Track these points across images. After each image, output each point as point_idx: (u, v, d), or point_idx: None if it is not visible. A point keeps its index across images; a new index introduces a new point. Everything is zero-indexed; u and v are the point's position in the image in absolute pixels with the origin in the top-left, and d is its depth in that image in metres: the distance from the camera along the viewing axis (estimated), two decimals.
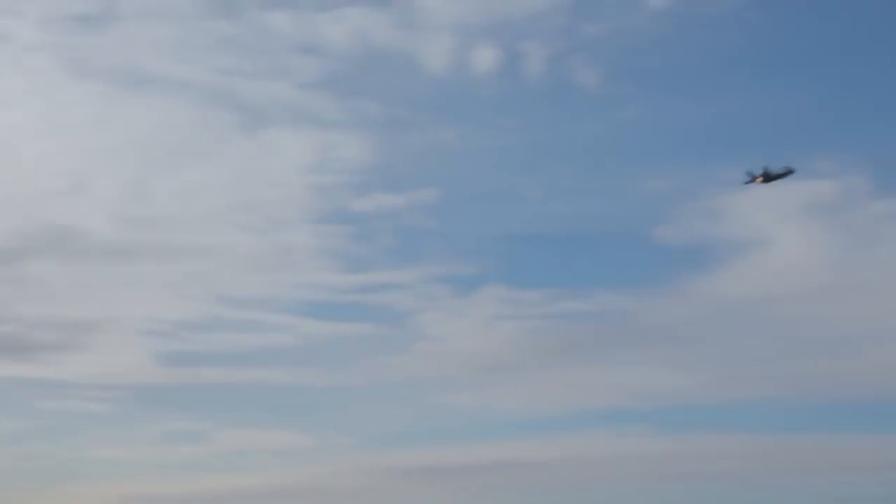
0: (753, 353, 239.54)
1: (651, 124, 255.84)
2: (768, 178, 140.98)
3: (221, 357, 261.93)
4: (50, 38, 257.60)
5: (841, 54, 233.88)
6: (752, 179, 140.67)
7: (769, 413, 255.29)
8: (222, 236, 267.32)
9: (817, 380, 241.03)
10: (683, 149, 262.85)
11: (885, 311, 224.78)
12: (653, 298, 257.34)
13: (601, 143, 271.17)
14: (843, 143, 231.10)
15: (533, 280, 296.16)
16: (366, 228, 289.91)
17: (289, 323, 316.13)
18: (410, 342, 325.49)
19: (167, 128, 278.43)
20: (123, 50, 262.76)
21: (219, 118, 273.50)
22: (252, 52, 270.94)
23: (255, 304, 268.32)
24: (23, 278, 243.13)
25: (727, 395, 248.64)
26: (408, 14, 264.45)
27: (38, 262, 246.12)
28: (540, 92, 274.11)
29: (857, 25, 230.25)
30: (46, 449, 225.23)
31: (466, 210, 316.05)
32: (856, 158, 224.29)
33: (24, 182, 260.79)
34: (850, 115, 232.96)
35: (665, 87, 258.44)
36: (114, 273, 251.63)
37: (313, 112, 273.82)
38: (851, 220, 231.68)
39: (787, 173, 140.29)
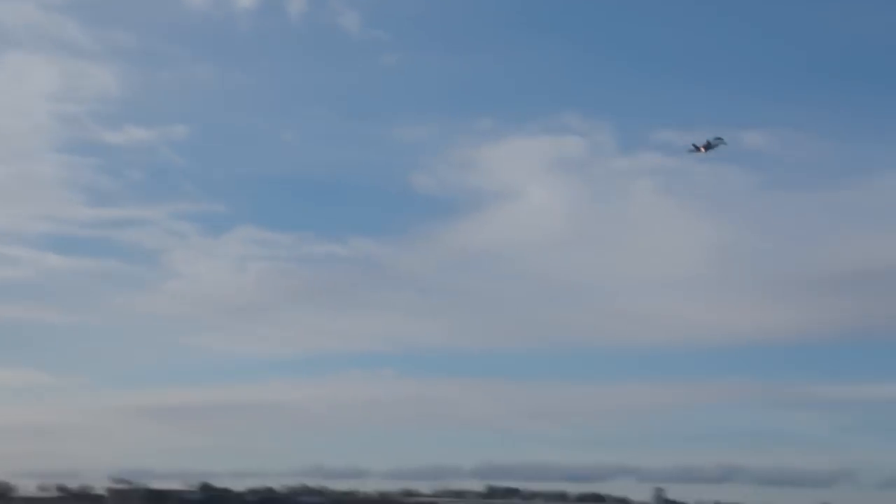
0: (500, 301, 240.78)
1: (410, 73, 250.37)
2: (708, 147, 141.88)
3: None
4: None
5: (593, 15, 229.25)
6: (697, 149, 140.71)
7: (513, 359, 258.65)
8: None
9: (559, 328, 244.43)
10: (441, 99, 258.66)
11: (627, 263, 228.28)
12: (406, 245, 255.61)
13: (360, 89, 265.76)
14: (590, 102, 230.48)
15: (285, 223, 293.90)
16: (114, 162, 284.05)
17: (29, 257, 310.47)
18: (157, 281, 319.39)
19: None
20: None
21: None
22: None
23: None
24: None
25: (474, 341, 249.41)
26: None
27: None
28: (301, 34, 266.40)
29: None
30: None
31: (219, 149, 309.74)
32: (601, 116, 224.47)
33: None
34: (597, 74, 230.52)
35: (426, 38, 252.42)
36: None
37: (61, 38, 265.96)
38: (596, 176, 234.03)
39: (720, 143, 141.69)
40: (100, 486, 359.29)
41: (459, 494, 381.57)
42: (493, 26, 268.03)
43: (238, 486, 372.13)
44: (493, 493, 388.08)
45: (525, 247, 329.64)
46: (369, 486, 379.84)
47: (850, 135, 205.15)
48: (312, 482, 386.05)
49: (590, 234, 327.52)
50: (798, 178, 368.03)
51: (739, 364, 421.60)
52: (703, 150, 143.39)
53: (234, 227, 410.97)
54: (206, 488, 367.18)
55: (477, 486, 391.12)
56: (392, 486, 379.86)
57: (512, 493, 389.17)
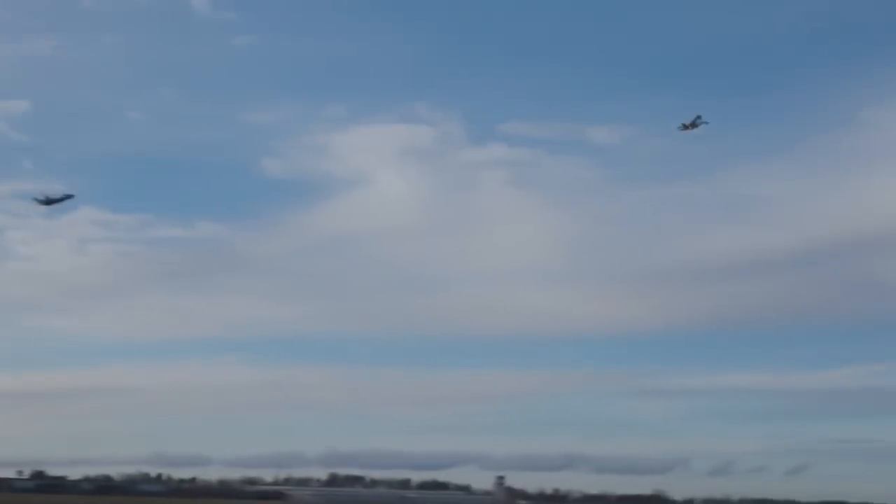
0: (348, 288, 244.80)
1: (262, 56, 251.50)
2: (693, 125, 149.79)
3: None
4: None
5: (447, 4, 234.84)
6: (685, 127, 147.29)
7: (360, 346, 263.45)
8: None
9: (407, 316, 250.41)
10: (294, 84, 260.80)
11: (476, 253, 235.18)
12: (255, 230, 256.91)
13: (211, 70, 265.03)
14: (442, 92, 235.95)
15: (130, 204, 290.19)
16: None
17: None
18: None
19: None
20: None
21: None
22: None
23: None
24: None
25: (322, 327, 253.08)
26: None
27: None
28: (150, 10, 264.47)
29: None
30: None
31: (61, 126, 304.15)
32: (452, 107, 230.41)
33: None
34: (449, 64, 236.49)
35: (278, 21, 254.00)
36: None
37: None
38: (446, 165, 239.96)
39: (702, 122, 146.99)
40: None
41: (303, 482, 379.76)
42: (347, 12, 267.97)
43: (74, 473, 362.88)
44: (335, 480, 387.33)
45: (375, 234, 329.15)
46: (211, 474, 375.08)
47: (693, 131, 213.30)
48: (152, 470, 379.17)
49: (440, 223, 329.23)
50: (644, 173, 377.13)
51: (586, 354, 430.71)
52: (689, 127, 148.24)
53: (75, 207, 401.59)
54: (39, 476, 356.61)
55: (321, 473, 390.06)
56: (234, 473, 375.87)
57: (355, 480, 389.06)
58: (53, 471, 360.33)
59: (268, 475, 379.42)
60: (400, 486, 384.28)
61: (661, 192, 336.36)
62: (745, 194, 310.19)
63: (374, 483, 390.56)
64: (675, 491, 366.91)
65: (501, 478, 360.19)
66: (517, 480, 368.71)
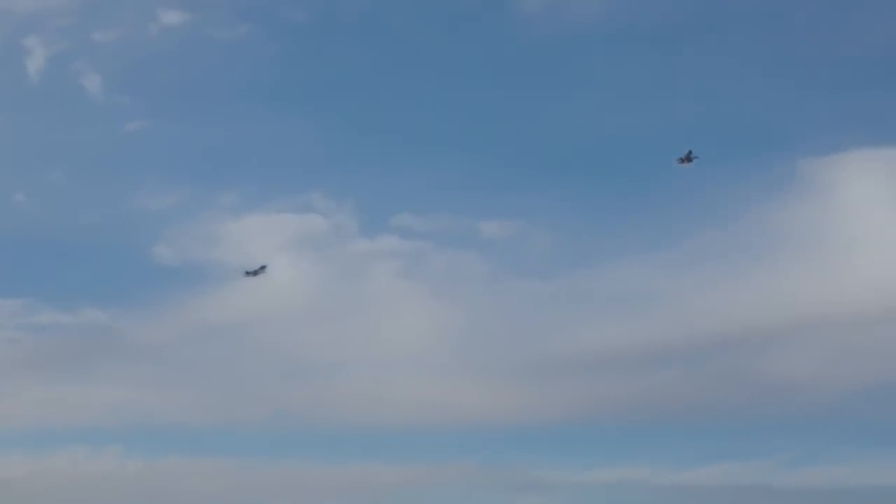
0: (237, 378, 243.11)
1: (156, 141, 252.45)
2: (688, 159, 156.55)
3: None
4: None
5: (342, 94, 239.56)
6: (681, 161, 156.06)
7: (247, 436, 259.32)
8: None
9: (295, 405, 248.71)
10: (187, 170, 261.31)
11: (364, 343, 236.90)
12: (142, 317, 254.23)
13: (102, 154, 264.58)
14: (335, 183, 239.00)
15: (11, 288, 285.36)
16: None
17: None
18: None
19: None
20: None
21: None
22: None
23: None
24: None
25: (209, 417, 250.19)
26: None
27: None
28: (39, 91, 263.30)
29: (358, 67, 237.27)
30: None
31: None
32: (345, 197, 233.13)
33: None
34: (343, 155, 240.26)
35: (172, 105, 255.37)
36: None
37: None
38: (337, 255, 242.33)
39: (695, 157, 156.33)
40: None
41: None
42: (243, 101, 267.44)
43: None
44: None
45: (265, 323, 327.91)
46: None
47: (581, 226, 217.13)
48: None
49: (330, 312, 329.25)
50: (532, 266, 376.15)
51: (470, 447, 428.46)
52: (685, 161, 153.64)
53: None
54: None
55: None
56: None
57: None
58: None
59: None
60: None
61: (547, 285, 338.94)
62: (630, 288, 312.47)
63: None
64: None
65: None
66: None
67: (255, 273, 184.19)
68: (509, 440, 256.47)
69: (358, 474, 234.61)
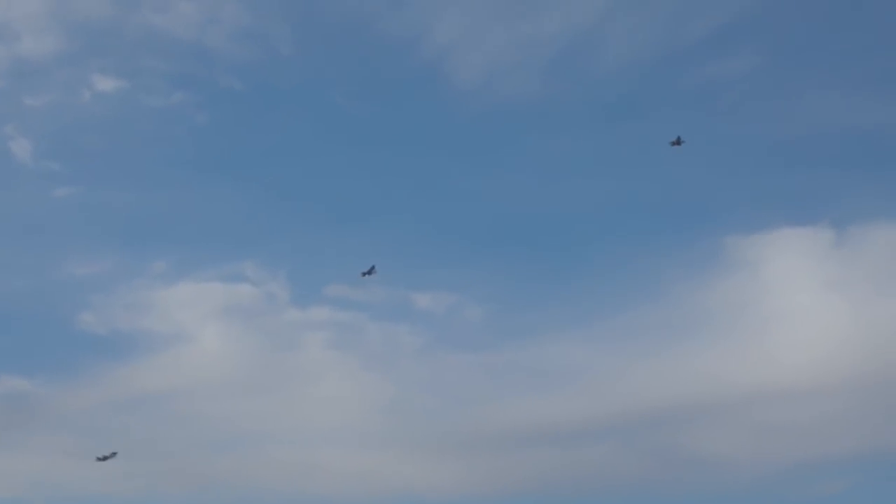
0: (163, 449, 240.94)
1: (84, 206, 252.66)
2: (678, 142, 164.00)
3: None
4: None
5: (275, 164, 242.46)
6: (673, 143, 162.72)
7: None
8: None
9: (223, 476, 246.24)
10: (117, 238, 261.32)
11: (295, 414, 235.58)
12: (67, 386, 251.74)
13: (29, 218, 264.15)
14: (268, 252, 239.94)
15: None
16: None
17: None
18: None
19: None
20: None
21: None
22: None
23: None
24: None
25: (133, 490, 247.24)
26: None
27: None
28: None
29: (293, 137, 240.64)
30: None
31: None
32: (277, 267, 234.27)
33: None
34: (275, 224, 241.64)
35: (102, 171, 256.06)
36: None
37: None
38: (269, 326, 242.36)
39: (682, 141, 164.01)
40: None
41: None
42: (175, 168, 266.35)
43: None
44: None
45: (192, 393, 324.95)
46: None
47: (513, 299, 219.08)
48: None
49: (259, 383, 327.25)
50: (463, 340, 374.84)
51: None
52: (676, 143, 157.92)
53: None
54: None
55: None
56: None
57: None
58: None
59: None
60: None
61: (479, 358, 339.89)
62: (560, 362, 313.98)
63: None
64: None
65: None
66: None
67: None
68: None
69: None
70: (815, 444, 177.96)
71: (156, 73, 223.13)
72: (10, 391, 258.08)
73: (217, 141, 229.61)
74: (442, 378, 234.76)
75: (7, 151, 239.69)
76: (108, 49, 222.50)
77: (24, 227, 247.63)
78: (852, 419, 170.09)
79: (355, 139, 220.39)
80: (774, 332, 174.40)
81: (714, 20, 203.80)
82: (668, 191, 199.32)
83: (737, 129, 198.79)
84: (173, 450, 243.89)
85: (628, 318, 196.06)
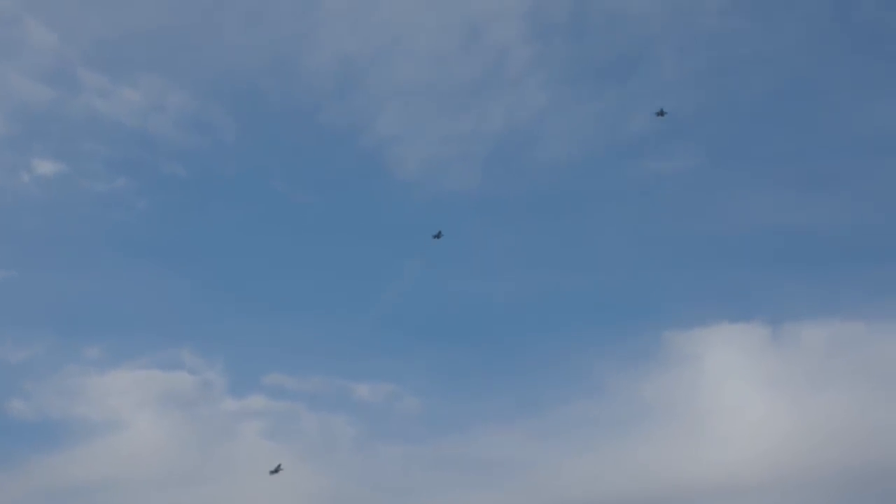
0: None
1: (19, 290, 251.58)
2: (662, 113, 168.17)
3: None
4: None
5: (211, 252, 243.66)
6: (660, 113, 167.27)
7: None
8: None
9: None
10: (50, 322, 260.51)
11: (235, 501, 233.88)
12: None
13: None
14: (205, 340, 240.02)
15: None
16: None
17: None
18: None
19: None
20: None
21: None
22: None
23: None
24: None
25: None
26: None
27: None
28: None
29: (233, 225, 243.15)
30: None
31: None
32: (215, 356, 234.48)
33: None
34: (212, 313, 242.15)
35: (39, 254, 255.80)
36: None
37: None
38: (204, 414, 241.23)
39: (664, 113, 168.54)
40: None
41: None
42: (111, 252, 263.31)
43: None
44: None
45: (126, 482, 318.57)
46: None
47: (451, 391, 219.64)
48: None
49: (195, 474, 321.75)
50: (401, 431, 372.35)
51: None
52: (661, 114, 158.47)
53: None
54: None
55: None
56: None
57: None
58: None
59: None
60: None
61: (416, 450, 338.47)
62: (498, 455, 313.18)
63: None
64: None
65: None
66: None
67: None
68: None
69: None
70: None
71: (97, 158, 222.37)
72: None
73: (157, 227, 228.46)
74: (379, 469, 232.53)
75: None
76: (49, 133, 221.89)
77: None
78: None
79: (295, 228, 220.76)
80: (713, 426, 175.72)
81: (650, 121, 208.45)
82: (607, 285, 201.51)
83: (674, 225, 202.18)
84: None
85: (566, 411, 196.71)
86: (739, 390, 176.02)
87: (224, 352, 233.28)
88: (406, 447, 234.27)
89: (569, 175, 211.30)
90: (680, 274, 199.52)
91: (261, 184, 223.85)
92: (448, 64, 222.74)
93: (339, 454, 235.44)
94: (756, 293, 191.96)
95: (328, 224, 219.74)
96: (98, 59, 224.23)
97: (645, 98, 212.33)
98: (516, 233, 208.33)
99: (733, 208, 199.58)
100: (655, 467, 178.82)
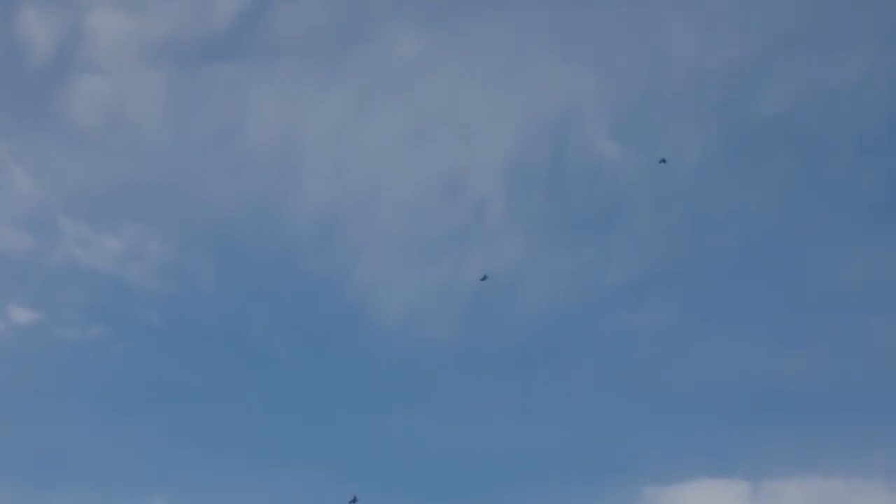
0: None
1: None
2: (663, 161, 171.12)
3: None
4: None
5: (195, 402, 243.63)
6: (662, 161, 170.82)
7: None
8: None
9: None
10: (18, 470, 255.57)
11: None
12: None
13: None
14: (179, 491, 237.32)
15: None
16: None
17: None
18: None
19: None
20: None
21: None
22: None
23: None
24: None
25: None
26: None
27: None
28: None
29: (209, 375, 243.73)
30: None
31: None
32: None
33: None
34: (189, 464, 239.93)
35: (13, 405, 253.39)
36: None
37: None
38: None
39: None
40: None
41: None
42: (82, 401, 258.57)
43: None
44: None
45: None
46: None
47: None
48: None
49: None
50: None
51: None
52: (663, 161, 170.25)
53: None
54: None
55: None
56: None
57: None
58: None
59: None
60: None
61: None
62: None
63: None
64: None
65: None
66: None
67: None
68: None
69: None
70: None
71: (73, 306, 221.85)
72: None
73: (130, 375, 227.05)
74: None
75: None
76: (28, 280, 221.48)
77: None
78: None
79: (273, 378, 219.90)
80: None
81: (629, 272, 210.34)
82: (585, 439, 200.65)
83: (652, 378, 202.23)
84: None
85: None
86: None
87: (197, 499, 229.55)
88: None
89: (546, 327, 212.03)
90: (659, 428, 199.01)
91: (239, 333, 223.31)
92: (428, 214, 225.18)
93: None
94: (735, 448, 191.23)
95: (304, 376, 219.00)
96: (80, 207, 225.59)
97: (622, 251, 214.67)
98: (493, 385, 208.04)
99: (711, 362, 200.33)
100: None
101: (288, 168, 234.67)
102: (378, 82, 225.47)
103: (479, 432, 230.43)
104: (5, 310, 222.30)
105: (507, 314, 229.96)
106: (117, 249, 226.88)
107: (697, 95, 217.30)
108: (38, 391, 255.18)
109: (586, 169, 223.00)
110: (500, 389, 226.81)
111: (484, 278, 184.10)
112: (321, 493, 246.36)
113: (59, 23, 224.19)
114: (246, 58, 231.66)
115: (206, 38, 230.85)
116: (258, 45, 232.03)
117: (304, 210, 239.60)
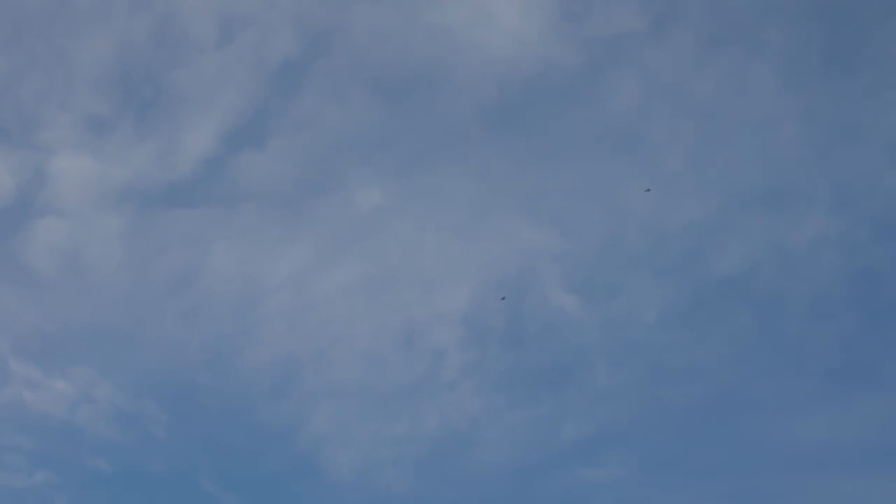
0: None
1: None
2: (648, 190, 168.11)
3: None
4: None
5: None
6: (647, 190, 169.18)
7: None
8: None
9: None
10: None
11: None
12: None
13: None
14: None
15: None
16: None
17: None
18: None
19: None
20: None
21: None
22: None
23: None
24: None
25: None
26: None
27: None
28: None
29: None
30: None
31: None
32: None
33: None
34: None
35: None
36: None
37: None
38: None
39: None
40: None
41: None
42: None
43: None
44: None
45: None
46: None
47: None
48: None
49: None
50: None
51: None
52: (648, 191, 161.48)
53: None
54: None
55: None
56: None
57: None
58: None
59: None
60: None
61: None
62: None
63: None
64: None
65: None
66: None
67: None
68: None
69: None
70: None
71: (19, 452, 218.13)
72: None
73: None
74: None
75: None
76: None
77: None
78: None
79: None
80: None
81: (586, 427, 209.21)
82: None
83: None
84: None
85: None
86: None
87: None
88: None
89: (502, 481, 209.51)
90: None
91: (189, 481, 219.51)
92: (384, 366, 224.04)
93: None
94: None
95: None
96: (30, 349, 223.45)
97: (579, 406, 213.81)
98: None
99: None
100: None
101: (245, 316, 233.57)
102: (338, 233, 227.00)
103: None
104: None
105: (464, 468, 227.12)
106: (68, 393, 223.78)
107: (656, 252, 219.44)
108: None
109: (545, 323, 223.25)
110: None
111: (503, 298, 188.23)
112: None
113: (23, 167, 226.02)
114: (208, 204, 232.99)
115: (169, 184, 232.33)
116: (221, 192, 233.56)
117: (260, 359, 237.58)
